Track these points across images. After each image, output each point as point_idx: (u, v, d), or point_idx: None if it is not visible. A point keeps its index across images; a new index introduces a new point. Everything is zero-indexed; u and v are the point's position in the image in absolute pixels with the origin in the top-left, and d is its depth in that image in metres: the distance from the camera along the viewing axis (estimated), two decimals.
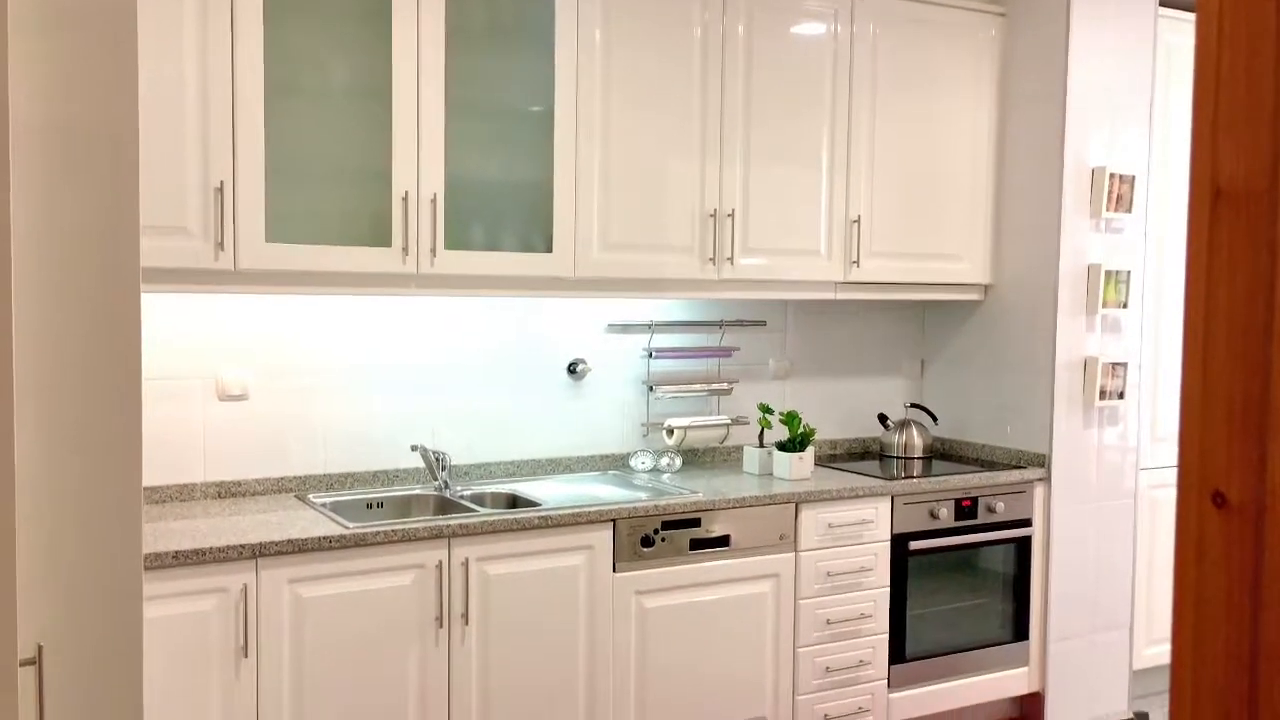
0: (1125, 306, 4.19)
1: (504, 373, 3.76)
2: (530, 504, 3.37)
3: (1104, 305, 4.14)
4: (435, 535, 3.00)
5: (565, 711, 3.22)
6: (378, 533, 2.92)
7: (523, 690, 3.15)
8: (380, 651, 2.94)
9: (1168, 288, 4.40)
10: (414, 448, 3.47)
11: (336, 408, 3.49)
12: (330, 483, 3.47)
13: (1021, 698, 4.21)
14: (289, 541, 2.80)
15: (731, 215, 3.69)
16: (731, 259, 3.70)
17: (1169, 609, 4.20)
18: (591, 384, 3.92)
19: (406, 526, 2.97)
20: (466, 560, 3.05)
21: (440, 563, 3.01)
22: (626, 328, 3.96)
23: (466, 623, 3.06)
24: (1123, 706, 4.36)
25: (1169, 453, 4.45)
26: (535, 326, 3.81)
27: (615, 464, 3.95)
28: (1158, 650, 4.46)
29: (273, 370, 3.39)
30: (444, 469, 3.49)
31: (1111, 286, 4.15)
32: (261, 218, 2.99)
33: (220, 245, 2.94)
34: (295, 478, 3.42)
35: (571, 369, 3.87)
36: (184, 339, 3.27)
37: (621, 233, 3.52)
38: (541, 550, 3.16)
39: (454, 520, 3.05)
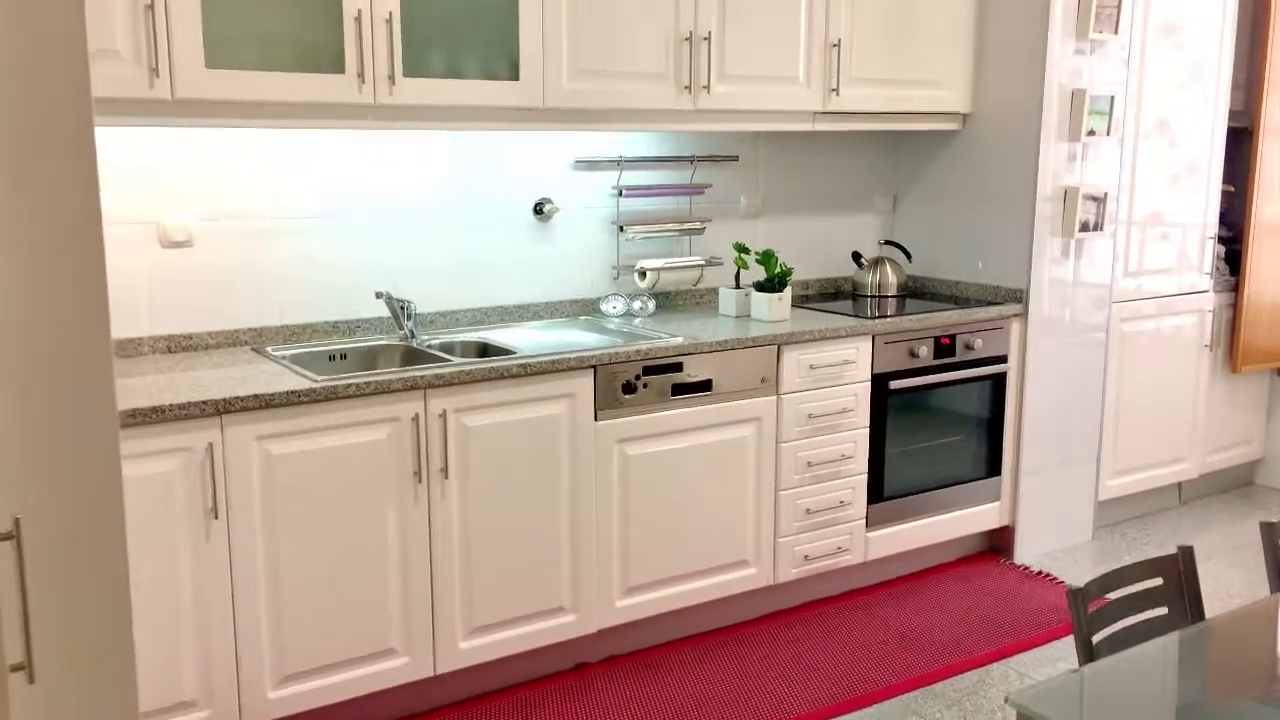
0: (1107, 134, 4.06)
1: (467, 214, 3.52)
2: (502, 352, 3.20)
3: (1086, 133, 4.00)
4: (410, 387, 2.81)
5: (549, 563, 3.12)
6: (349, 385, 2.72)
7: (506, 543, 3.04)
8: (357, 508, 2.79)
9: (1146, 114, 4.27)
10: (379, 295, 3.24)
11: (290, 254, 3.23)
12: (287, 334, 3.25)
13: (991, 531, 4.24)
14: (255, 397, 2.60)
15: (708, 39, 3.43)
16: (708, 87, 3.46)
17: (1135, 442, 4.20)
18: (559, 225, 3.70)
19: (380, 378, 2.78)
20: (444, 412, 2.88)
21: (417, 415, 2.84)
22: (594, 164, 3.72)
23: (446, 476, 2.91)
24: (1087, 537, 4.42)
25: (1140, 286, 4.40)
26: (499, 164, 3.55)
27: (585, 309, 3.77)
28: (1121, 481, 4.51)
29: (219, 214, 3.11)
30: (409, 318, 3.28)
31: (1093, 113, 4.00)
32: (199, 40, 2.67)
33: (155, 71, 2.62)
34: (249, 329, 3.19)
35: (538, 209, 3.64)
36: (121, 179, 2.96)
37: (592, 58, 3.25)
38: (521, 400, 3.01)
39: (429, 370, 2.86)
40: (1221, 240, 4.78)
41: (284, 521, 2.69)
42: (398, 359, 3.25)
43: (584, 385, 3.10)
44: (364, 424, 2.77)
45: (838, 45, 3.71)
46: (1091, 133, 4.02)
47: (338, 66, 2.86)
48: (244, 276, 3.17)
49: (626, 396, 3.20)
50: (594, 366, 3.12)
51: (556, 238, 3.70)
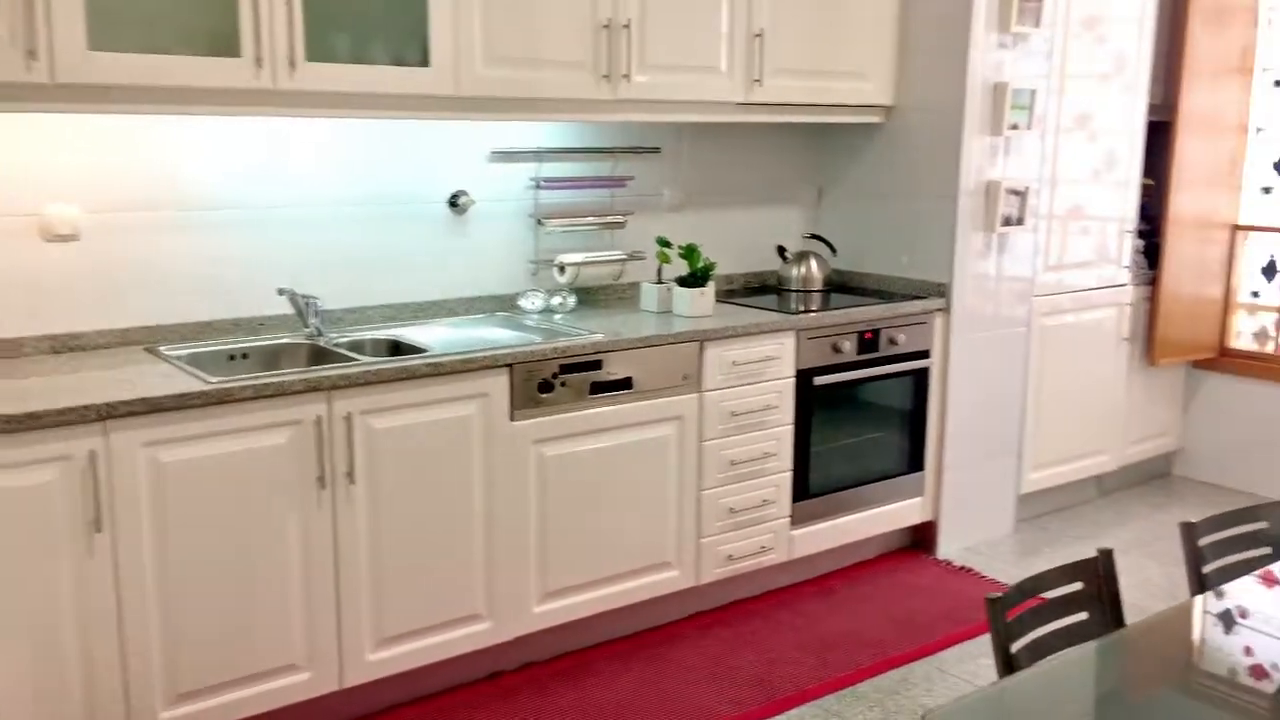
0: (1029, 128, 4.04)
1: (378, 206, 3.38)
2: (414, 350, 3.07)
3: (1008, 127, 3.98)
4: (313, 388, 2.67)
5: (462, 569, 3.01)
6: (245, 387, 2.58)
7: (417, 550, 2.91)
8: (255, 517, 2.64)
9: (1067, 108, 4.27)
10: (281, 292, 3.09)
11: (186, 248, 3.06)
12: (184, 333, 3.08)
13: (914, 527, 4.22)
14: (142, 400, 2.44)
15: (628, 26, 3.33)
16: (628, 76, 3.36)
17: (1056, 435, 4.19)
18: (475, 218, 3.57)
19: (279, 379, 2.63)
20: (349, 414, 2.74)
21: (319, 418, 2.70)
22: (512, 155, 3.60)
23: (352, 482, 2.78)
24: (1008, 531, 4.43)
25: (1061, 280, 4.41)
26: (411, 154, 3.42)
27: (503, 305, 3.65)
28: (1042, 474, 4.52)
29: (107, 205, 2.93)
30: (315, 315, 3.14)
31: (1015, 107, 3.98)
32: (81, 19, 2.49)
33: (32, 54, 2.44)
34: (142, 328, 3.02)
35: (453, 202, 3.51)
36: None
37: (508, 45, 3.12)
38: (432, 400, 2.88)
39: (333, 371, 2.72)
40: (1140, 234, 4.81)
41: (175, 533, 2.54)
42: (303, 358, 3.10)
43: (498, 384, 2.99)
44: (262, 428, 2.63)
45: (760, 35, 3.63)
46: (1014, 127, 4.00)
47: (233, 49, 2.70)
48: (136, 272, 2.99)
49: (543, 396, 3.09)
50: (509, 365, 3.00)
51: (472, 231, 3.57)
